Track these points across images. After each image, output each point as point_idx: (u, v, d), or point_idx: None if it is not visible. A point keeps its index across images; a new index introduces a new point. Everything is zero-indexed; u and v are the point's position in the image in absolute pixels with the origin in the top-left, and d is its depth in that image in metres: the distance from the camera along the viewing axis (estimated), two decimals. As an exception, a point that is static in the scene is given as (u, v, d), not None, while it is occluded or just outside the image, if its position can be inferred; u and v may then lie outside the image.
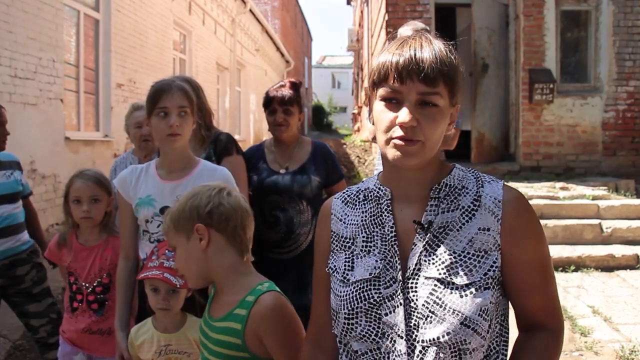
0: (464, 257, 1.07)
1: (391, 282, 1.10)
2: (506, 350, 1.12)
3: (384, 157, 1.10)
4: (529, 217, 1.11)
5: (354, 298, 1.12)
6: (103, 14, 7.34)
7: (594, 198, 6.39)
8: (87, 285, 2.37)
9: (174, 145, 2.04)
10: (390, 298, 1.09)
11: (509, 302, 1.15)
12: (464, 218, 1.10)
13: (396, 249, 1.12)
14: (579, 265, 5.37)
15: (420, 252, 1.09)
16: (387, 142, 1.07)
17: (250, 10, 15.67)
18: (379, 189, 1.18)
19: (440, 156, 1.19)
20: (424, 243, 1.10)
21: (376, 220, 1.16)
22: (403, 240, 1.12)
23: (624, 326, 3.99)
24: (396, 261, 1.11)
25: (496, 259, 1.08)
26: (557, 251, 5.42)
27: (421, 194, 1.14)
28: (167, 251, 1.82)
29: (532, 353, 1.11)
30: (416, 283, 1.08)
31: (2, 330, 3.91)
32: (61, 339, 2.44)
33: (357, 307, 1.11)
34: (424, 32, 1.16)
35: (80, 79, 6.91)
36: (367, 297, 1.11)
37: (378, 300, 1.10)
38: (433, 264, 1.08)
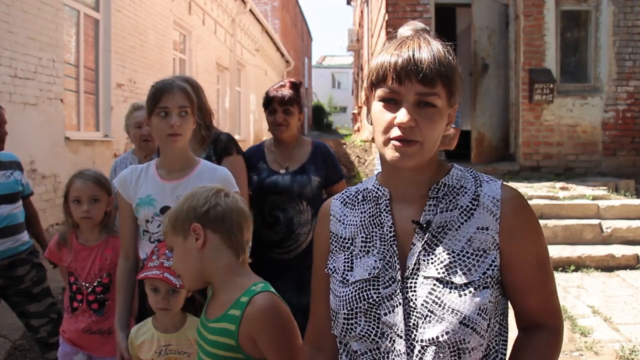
0: (463, 256, 1.07)
1: (390, 282, 1.10)
2: (505, 349, 1.12)
3: (382, 157, 1.10)
4: (527, 216, 1.11)
5: (354, 298, 1.12)
6: (103, 14, 7.35)
7: (594, 198, 6.39)
8: (87, 285, 2.37)
9: (174, 145, 2.05)
10: (389, 298, 1.09)
11: (508, 301, 1.15)
12: (462, 217, 1.10)
13: (395, 249, 1.12)
14: (579, 265, 5.37)
15: (419, 252, 1.10)
16: (386, 142, 1.07)
17: (250, 10, 15.67)
18: (378, 189, 1.18)
19: (440, 156, 1.20)
20: (423, 243, 1.10)
21: (375, 221, 1.17)
22: (402, 240, 1.12)
23: (624, 326, 3.99)
24: (395, 261, 1.11)
25: (495, 258, 1.08)
26: (557, 251, 5.42)
27: (420, 194, 1.14)
28: (167, 251, 1.82)
29: (531, 352, 1.12)
30: (415, 283, 1.08)
31: (2, 330, 3.91)
32: (61, 339, 2.45)
33: (356, 307, 1.11)
34: (423, 32, 1.16)
35: (80, 79, 6.92)
36: (366, 297, 1.11)
37: (377, 300, 1.10)
38: (432, 263, 1.08)
